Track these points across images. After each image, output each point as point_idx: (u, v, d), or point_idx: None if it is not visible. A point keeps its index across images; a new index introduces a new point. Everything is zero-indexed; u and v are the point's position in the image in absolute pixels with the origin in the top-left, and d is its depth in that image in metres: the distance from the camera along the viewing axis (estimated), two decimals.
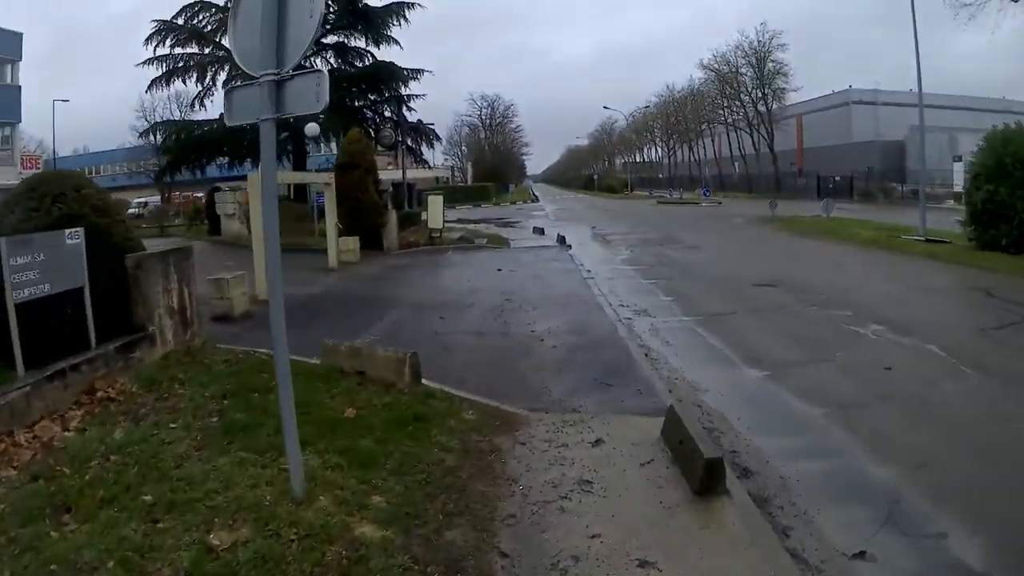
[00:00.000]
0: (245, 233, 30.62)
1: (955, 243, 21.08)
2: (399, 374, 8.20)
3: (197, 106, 34.03)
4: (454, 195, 68.03)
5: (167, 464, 5.92)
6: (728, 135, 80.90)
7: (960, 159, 44.15)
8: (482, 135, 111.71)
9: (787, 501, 5.87)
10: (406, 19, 32.47)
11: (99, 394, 7.60)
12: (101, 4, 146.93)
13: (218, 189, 31.83)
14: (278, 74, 5.00)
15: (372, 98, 34.45)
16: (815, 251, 22.87)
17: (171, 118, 35.03)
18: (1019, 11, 28.26)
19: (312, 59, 33.58)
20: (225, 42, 32.02)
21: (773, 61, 70.10)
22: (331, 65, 34.05)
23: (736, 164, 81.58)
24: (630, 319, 13.07)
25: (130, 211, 52.56)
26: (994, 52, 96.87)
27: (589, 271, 19.29)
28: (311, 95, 5.03)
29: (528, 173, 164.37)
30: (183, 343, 9.86)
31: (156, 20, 31.58)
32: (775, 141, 70.40)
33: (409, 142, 35.32)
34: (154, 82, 32.15)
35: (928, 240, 22.15)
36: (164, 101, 57.91)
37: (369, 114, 34.78)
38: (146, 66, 31.35)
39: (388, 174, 47.19)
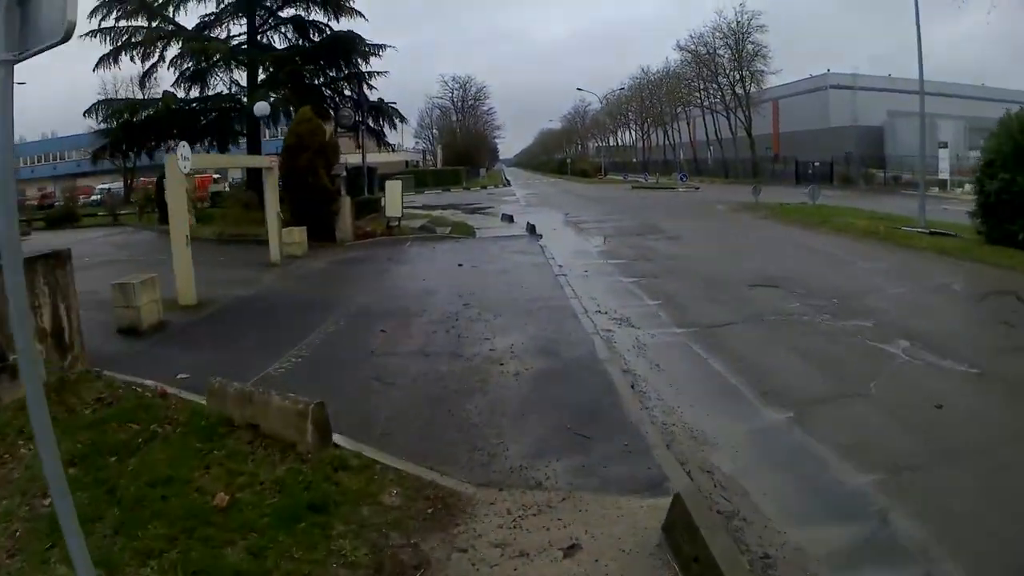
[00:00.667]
0: (194, 222, 28.19)
1: (962, 236, 19.08)
2: (300, 431, 5.94)
3: (147, 85, 31.51)
4: (423, 179, 65.62)
5: None
6: (704, 118, 78.46)
7: (946, 145, 42.60)
8: (453, 118, 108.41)
9: None
10: None
11: None
12: None
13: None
14: None
15: (331, 75, 31.67)
16: (810, 243, 20.70)
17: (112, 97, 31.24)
18: None
19: (268, 33, 30.99)
20: (174, 15, 29.34)
21: (752, 43, 67.69)
22: (288, 40, 31.40)
23: (711, 148, 79.44)
24: (610, 331, 10.84)
25: (92, 198, 49.95)
26: (970, 41, 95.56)
27: (561, 266, 17.05)
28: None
29: (501, 157, 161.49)
30: (58, 373, 7.64)
31: None
32: (752, 125, 68.37)
33: (371, 122, 32.52)
34: (102, 60, 29.13)
35: (932, 232, 20.13)
36: (127, 83, 54.65)
37: (328, 92, 31.98)
38: (89, 38, 28.16)
39: (355, 157, 44.48)
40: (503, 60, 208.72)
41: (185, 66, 30.10)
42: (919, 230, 20.62)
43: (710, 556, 4.10)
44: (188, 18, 30.49)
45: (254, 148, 29.60)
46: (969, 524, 5.10)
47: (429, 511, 5.20)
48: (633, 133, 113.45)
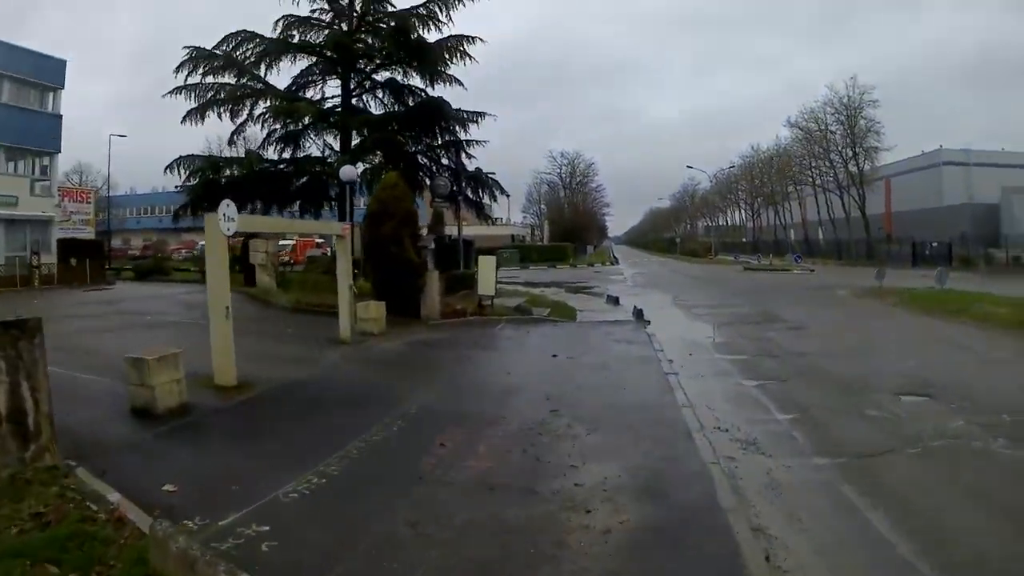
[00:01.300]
0: (274, 288, 27.02)
1: None
2: None
3: (235, 143, 30.84)
4: (528, 255, 64.25)
5: None
6: (816, 197, 74.36)
7: None
8: (561, 193, 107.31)
9: None
10: (466, 55, 28.08)
11: None
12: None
13: (256, 235, 28.30)
14: None
15: (428, 142, 30.15)
16: (953, 337, 17.42)
17: (197, 153, 30.28)
18: None
19: (364, 97, 30.05)
20: (263, 73, 28.70)
21: (864, 118, 63.82)
22: (384, 106, 30.37)
23: (821, 228, 75.12)
24: (734, 461, 8.30)
25: (194, 251, 49.34)
26: None
27: (671, 361, 14.50)
28: None
29: (609, 234, 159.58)
30: (13, 467, 6.27)
31: (188, 46, 28.27)
32: (865, 203, 64.20)
33: (469, 193, 30.85)
34: (188, 115, 28.25)
35: None
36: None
37: (423, 161, 30.48)
38: (174, 96, 27.87)
39: (465, 230, 42.98)
40: (613, 138, 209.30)
41: (274, 127, 29.34)
42: None
43: None
44: (281, 78, 29.92)
45: (344, 215, 28.13)
46: None
47: None
48: (743, 212, 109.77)
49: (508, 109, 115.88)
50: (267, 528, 6.00)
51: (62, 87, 37.50)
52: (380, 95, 30.30)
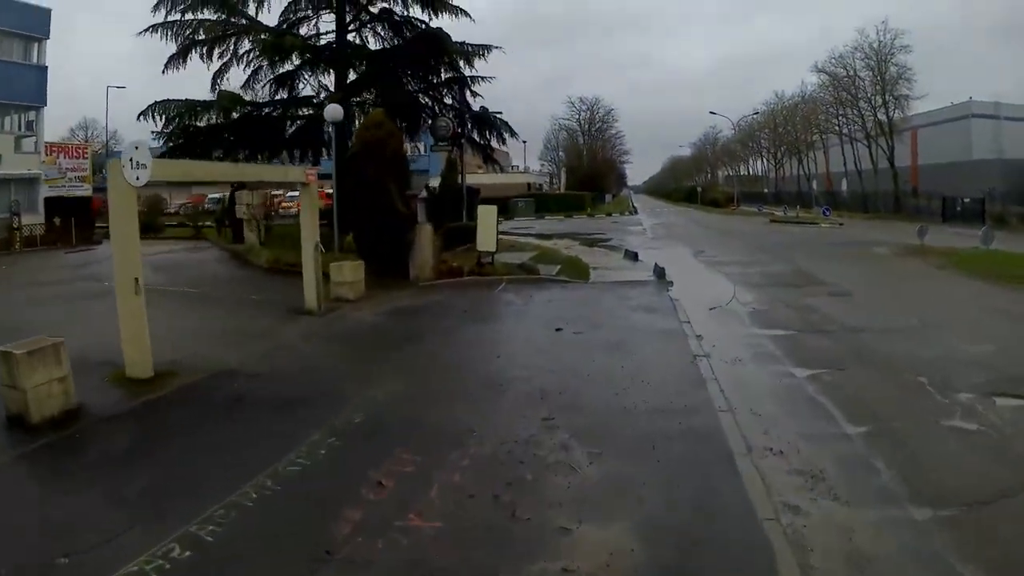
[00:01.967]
0: (257, 245, 24.29)
1: None
2: None
3: (218, 86, 26.38)
4: (545, 204, 60.88)
5: None
6: (842, 148, 69.89)
7: None
8: (580, 140, 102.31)
9: None
10: None
11: None
12: None
13: (243, 186, 25.42)
14: None
15: (430, 79, 26.53)
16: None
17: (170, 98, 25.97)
18: None
19: (362, 32, 26.62)
20: (250, 10, 25.33)
21: (895, 64, 59.06)
22: (383, 41, 26.67)
23: (847, 179, 70.80)
24: (799, 514, 5.61)
25: (206, 206, 45.97)
26: None
27: (700, 337, 11.75)
28: None
29: (628, 183, 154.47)
30: None
31: None
32: (894, 155, 60.00)
33: (475, 135, 27.46)
34: (170, 61, 24.80)
35: None
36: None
37: (425, 100, 26.95)
38: (150, 34, 24.36)
39: (476, 178, 39.65)
40: (635, 85, 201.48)
41: (260, 66, 25.82)
42: None
43: None
44: (271, 16, 26.05)
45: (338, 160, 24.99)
46: None
47: None
48: (765, 162, 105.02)
49: (529, 54, 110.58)
50: None
51: (47, 37, 34.39)
52: (379, 30, 26.58)
